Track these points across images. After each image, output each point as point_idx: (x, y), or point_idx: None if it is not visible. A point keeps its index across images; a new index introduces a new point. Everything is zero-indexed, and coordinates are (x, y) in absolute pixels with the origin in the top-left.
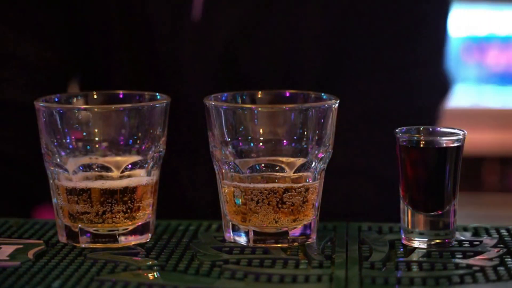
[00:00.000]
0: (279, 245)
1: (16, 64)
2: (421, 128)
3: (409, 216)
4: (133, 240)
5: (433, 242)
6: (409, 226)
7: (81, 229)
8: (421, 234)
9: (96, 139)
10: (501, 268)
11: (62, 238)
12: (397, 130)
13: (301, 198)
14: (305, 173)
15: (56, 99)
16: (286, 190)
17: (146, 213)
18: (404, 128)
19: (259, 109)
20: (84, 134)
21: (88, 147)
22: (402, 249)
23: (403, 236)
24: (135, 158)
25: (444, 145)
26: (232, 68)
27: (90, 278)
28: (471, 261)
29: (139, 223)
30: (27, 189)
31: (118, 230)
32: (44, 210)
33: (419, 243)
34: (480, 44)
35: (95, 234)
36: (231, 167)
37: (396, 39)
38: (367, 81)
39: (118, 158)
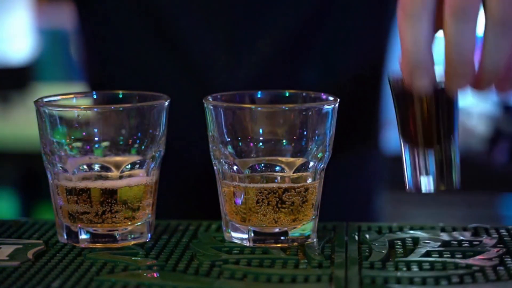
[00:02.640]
0: (279, 245)
1: None
2: None
3: (413, 159)
4: (132, 240)
5: (439, 185)
6: (413, 170)
7: (80, 229)
8: (426, 175)
9: (96, 139)
10: (500, 268)
11: (62, 238)
12: (390, 74)
13: (301, 198)
14: (304, 173)
15: (56, 99)
16: (286, 190)
17: (145, 213)
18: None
19: (259, 109)
20: (84, 134)
21: (88, 147)
22: (401, 249)
23: (407, 182)
24: (135, 158)
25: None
26: (233, 68)
27: (89, 278)
28: (470, 261)
29: (139, 223)
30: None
31: (117, 230)
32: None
33: (425, 186)
34: (480, 44)
35: (94, 234)
36: (231, 167)
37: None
38: (365, 84)
39: (118, 158)
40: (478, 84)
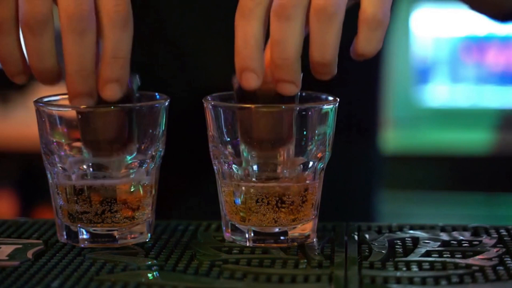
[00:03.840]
0: (278, 245)
1: None
2: None
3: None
4: (132, 240)
5: None
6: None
7: (80, 228)
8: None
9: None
10: (500, 268)
11: (61, 238)
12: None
13: (301, 198)
14: (304, 173)
15: (56, 99)
16: (286, 189)
17: (145, 213)
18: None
19: (259, 109)
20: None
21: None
22: (401, 249)
23: None
24: (135, 158)
25: None
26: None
27: (89, 278)
28: (470, 261)
29: (139, 223)
30: None
31: (117, 230)
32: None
33: None
34: (479, 44)
35: (94, 234)
36: (230, 167)
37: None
38: (363, 81)
39: (118, 158)
40: (315, 73)
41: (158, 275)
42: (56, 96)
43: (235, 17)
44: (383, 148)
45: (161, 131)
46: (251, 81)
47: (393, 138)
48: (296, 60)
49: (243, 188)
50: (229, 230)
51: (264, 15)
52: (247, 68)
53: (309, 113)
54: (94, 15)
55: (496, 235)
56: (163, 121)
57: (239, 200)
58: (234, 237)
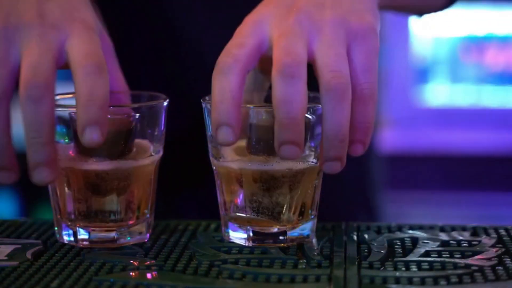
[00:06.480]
0: (278, 245)
1: None
2: None
3: None
4: (131, 240)
5: None
6: None
7: (79, 228)
8: None
9: None
10: (499, 268)
11: (60, 238)
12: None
13: (300, 198)
14: (304, 173)
15: (56, 99)
16: (285, 190)
17: (144, 213)
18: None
19: (258, 109)
20: None
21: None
22: (400, 249)
23: None
24: (134, 158)
25: None
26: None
27: (88, 278)
28: (469, 261)
29: (138, 223)
30: None
31: (116, 230)
32: None
33: None
34: (479, 43)
35: (93, 234)
36: (229, 167)
37: None
38: None
39: (117, 159)
40: (326, 153)
41: (157, 275)
42: (56, 96)
43: (213, 74)
44: (379, 148)
45: (160, 131)
46: (226, 136)
47: (393, 138)
48: (302, 120)
49: (243, 188)
50: (228, 230)
51: (242, 72)
52: (223, 123)
53: (308, 112)
54: (52, 82)
55: (495, 235)
56: (162, 121)
57: (239, 200)
58: (233, 237)
